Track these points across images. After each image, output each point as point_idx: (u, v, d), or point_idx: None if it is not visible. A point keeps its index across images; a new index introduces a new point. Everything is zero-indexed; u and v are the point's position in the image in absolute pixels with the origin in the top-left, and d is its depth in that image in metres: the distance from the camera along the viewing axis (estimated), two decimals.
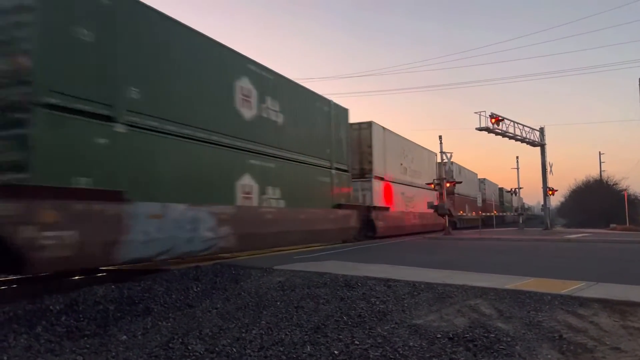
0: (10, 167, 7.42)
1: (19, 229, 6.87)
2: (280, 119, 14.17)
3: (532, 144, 30.48)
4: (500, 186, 61.80)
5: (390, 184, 23.14)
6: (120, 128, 8.81)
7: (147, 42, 9.66)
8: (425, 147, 29.78)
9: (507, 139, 28.32)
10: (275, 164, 13.73)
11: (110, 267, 9.70)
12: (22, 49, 7.59)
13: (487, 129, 26.45)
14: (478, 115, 26.20)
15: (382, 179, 22.04)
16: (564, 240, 19.33)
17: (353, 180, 19.40)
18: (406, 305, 6.12)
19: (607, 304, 5.87)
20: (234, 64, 12.47)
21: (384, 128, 22.81)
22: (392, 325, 5.16)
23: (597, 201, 53.32)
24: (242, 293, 7.06)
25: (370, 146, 21.11)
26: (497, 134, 27.19)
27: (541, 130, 30.95)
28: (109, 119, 8.63)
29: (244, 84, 12.58)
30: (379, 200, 21.49)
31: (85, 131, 8.22)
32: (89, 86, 8.29)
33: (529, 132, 29.71)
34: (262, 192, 13.09)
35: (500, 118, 26.56)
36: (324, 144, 16.92)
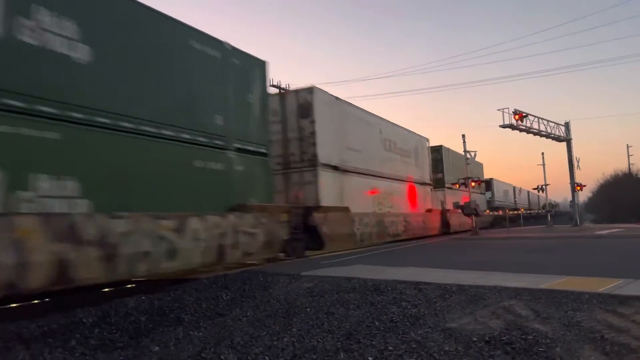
0: None
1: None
2: None
3: (558, 139, 29.91)
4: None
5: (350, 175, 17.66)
6: None
7: None
8: (415, 131, 24.55)
9: (531, 135, 27.86)
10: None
11: (140, 278, 9.80)
12: None
13: (511, 126, 26.05)
14: (501, 113, 25.85)
15: (335, 167, 16.75)
16: (596, 237, 18.86)
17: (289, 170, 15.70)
18: (438, 308, 6.00)
19: None
20: None
21: (336, 98, 17.40)
22: (426, 330, 5.05)
23: (626, 195, 52.07)
24: (272, 300, 7.03)
25: (313, 121, 15.69)
26: (521, 130, 26.75)
27: (566, 125, 30.35)
28: None
29: None
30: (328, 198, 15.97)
31: None
32: None
33: (553, 127, 29.16)
34: None
35: (524, 114, 26.13)
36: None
